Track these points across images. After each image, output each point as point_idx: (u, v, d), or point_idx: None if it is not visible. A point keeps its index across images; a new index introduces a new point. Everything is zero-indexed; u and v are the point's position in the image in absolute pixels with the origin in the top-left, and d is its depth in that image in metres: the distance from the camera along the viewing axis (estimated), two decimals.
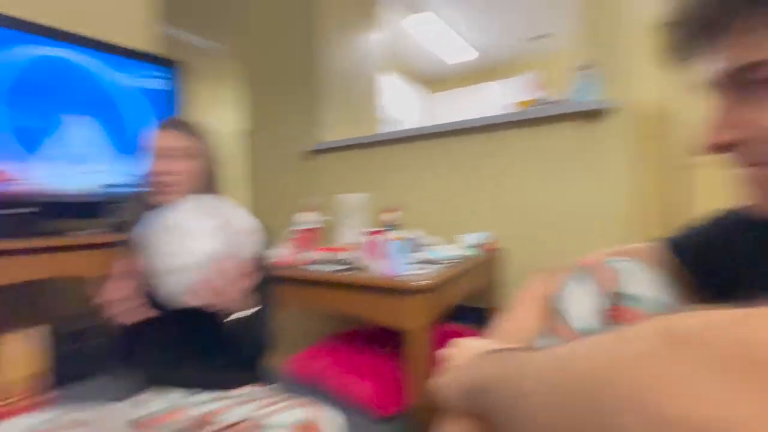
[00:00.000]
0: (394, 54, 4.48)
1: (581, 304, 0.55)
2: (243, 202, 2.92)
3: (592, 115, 1.62)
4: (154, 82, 1.79)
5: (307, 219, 1.73)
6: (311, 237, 1.71)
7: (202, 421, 0.91)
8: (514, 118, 1.81)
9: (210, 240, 0.78)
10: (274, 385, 1.08)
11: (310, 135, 2.47)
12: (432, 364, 1.09)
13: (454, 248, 1.62)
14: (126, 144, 1.69)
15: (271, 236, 1.07)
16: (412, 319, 1.10)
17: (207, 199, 0.86)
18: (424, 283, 1.08)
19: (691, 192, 1.70)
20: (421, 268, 1.26)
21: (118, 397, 0.96)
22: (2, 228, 1.35)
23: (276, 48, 2.66)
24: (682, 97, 1.50)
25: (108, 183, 1.64)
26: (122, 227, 1.45)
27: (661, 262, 0.59)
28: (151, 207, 0.96)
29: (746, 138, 0.38)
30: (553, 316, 0.57)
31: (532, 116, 1.77)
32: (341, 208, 1.95)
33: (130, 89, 1.71)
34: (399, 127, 2.60)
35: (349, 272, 1.27)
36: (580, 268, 0.58)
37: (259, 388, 1.03)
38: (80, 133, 1.57)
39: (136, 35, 2.13)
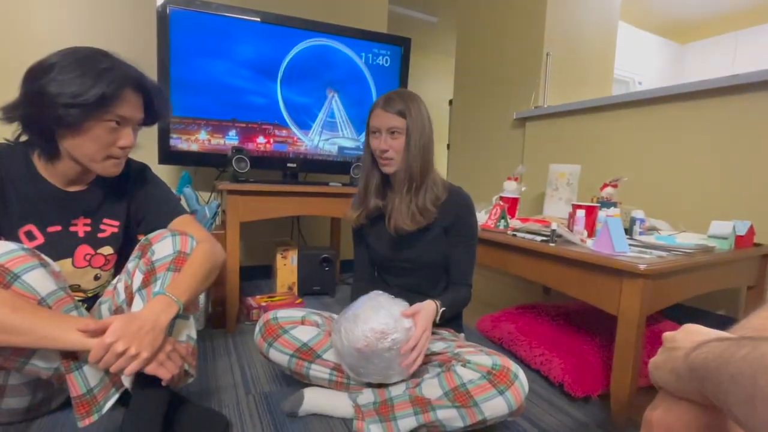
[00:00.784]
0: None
1: None
2: (454, 168, 3.09)
3: None
4: (385, 58, 2.05)
5: (511, 187, 1.73)
6: (513, 205, 1.71)
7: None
8: None
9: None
10: (462, 334, 1.19)
11: (523, 102, 2.38)
12: (642, 353, 0.98)
13: (692, 236, 1.35)
14: (359, 115, 2.02)
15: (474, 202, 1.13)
16: (628, 304, 1.00)
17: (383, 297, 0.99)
18: (648, 267, 0.96)
19: None
20: (641, 252, 1.12)
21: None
22: (276, 176, 1.92)
23: (493, 11, 2.62)
24: None
25: (345, 147, 2.01)
26: (355, 183, 1.81)
27: None
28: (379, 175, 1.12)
29: None
30: None
31: None
32: (550, 178, 1.86)
33: (368, 67, 2.01)
34: (634, 88, 2.21)
35: (559, 245, 1.22)
36: None
37: (452, 333, 1.15)
38: (329, 106, 1.96)
39: (371, 17, 2.46)
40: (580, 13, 2.34)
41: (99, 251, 0.96)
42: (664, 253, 1.11)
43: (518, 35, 2.41)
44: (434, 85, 5.06)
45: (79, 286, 0.94)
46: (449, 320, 1.18)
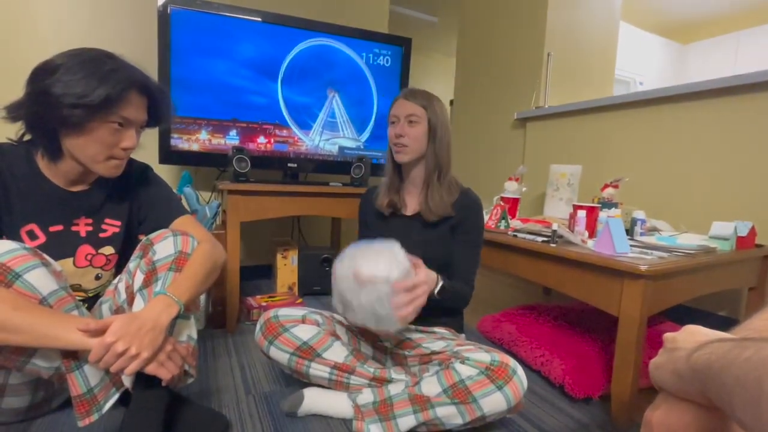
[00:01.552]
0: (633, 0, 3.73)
1: None
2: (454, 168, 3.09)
3: None
4: (386, 58, 2.05)
5: (512, 188, 1.73)
6: (514, 205, 1.71)
7: (410, 344, 1.09)
8: None
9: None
10: (463, 335, 1.20)
11: (524, 102, 2.38)
12: (643, 354, 0.98)
13: (693, 237, 1.35)
14: (360, 115, 2.02)
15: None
16: (629, 305, 1.00)
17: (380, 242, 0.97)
18: (649, 268, 0.96)
19: None
20: (643, 253, 1.11)
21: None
22: (276, 176, 1.92)
23: (494, 11, 2.62)
24: None
25: (346, 147, 2.01)
26: (355, 183, 1.81)
27: None
28: (394, 165, 1.16)
29: None
30: None
31: None
32: (551, 178, 1.85)
33: (369, 67, 2.01)
34: (635, 89, 2.21)
35: (560, 246, 1.22)
36: None
37: (453, 333, 1.16)
38: (329, 106, 1.96)
39: (372, 17, 2.46)
40: (581, 13, 2.35)
41: (100, 251, 0.96)
42: (665, 254, 1.11)
43: (519, 35, 2.41)
44: (435, 85, 5.06)
45: (80, 285, 0.94)
46: (450, 320, 1.18)
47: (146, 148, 1.06)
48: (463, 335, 1.19)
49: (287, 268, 2.00)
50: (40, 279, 0.74)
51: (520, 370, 0.88)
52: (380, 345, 1.14)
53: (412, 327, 1.18)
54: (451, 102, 3.16)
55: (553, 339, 1.39)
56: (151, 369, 0.76)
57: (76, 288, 0.93)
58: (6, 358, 0.77)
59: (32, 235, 0.87)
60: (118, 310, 0.88)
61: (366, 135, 2.04)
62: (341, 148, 2.00)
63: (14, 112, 0.81)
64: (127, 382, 0.80)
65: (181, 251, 0.87)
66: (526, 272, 1.32)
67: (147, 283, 0.84)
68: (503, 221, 1.51)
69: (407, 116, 1.10)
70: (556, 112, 2.15)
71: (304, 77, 1.90)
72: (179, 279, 0.85)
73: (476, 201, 1.13)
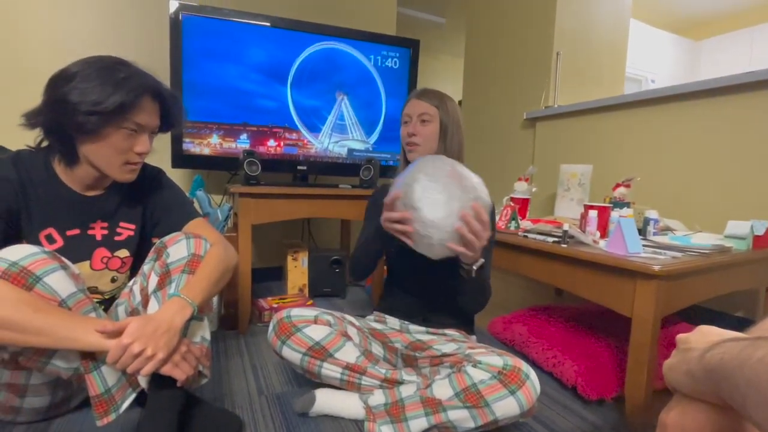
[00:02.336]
0: None
1: None
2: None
3: None
4: (394, 60, 2.05)
5: (522, 188, 1.72)
6: (524, 206, 1.70)
7: (420, 345, 1.09)
8: None
9: (462, 195, 0.88)
10: (474, 336, 1.19)
11: (534, 102, 2.36)
12: (657, 356, 0.97)
13: (708, 236, 1.33)
14: (368, 117, 2.03)
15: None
16: (642, 306, 0.99)
17: (443, 159, 0.96)
18: (662, 268, 0.95)
19: None
20: (656, 253, 1.10)
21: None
22: (286, 179, 1.94)
23: (502, 11, 2.61)
24: None
25: (355, 149, 2.02)
26: (365, 184, 1.82)
27: None
28: (405, 163, 1.16)
29: None
30: None
31: None
32: (561, 178, 1.84)
33: (377, 69, 2.02)
34: (647, 87, 2.18)
35: (571, 246, 1.21)
36: None
37: (464, 334, 1.15)
38: (338, 109, 1.97)
39: (380, 19, 2.47)
40: (591, 11, 2.32)
41: (116, 254, 0.98)
42: (678, 254, 1.10)
43: (528, 34, 2.40)
44: (443, 86, 5.03)
45: (97, 288, 0.97)
46: (461, 323, 1.18)
47: (159, 153, 1.08)
48: (474, 337, 1.19)
49: (298, 270, 2.01)
50: (60, 282, 0.76)
51: (533, 375, 0.88)
52: (391, 346, 1.14)
53: (423, 329, 1.18)
54: (460, 103, 3.16)
55: (565, 340, 1.38)
56: (166, 370, 0.77)
57: (92, 290, 0.95)
58: (27, 359, 0.79)
59: (50, 239, 0.90)
60: (133, 312, 0.90)
61: (375, 137, 2.05)
62: (350, 150, 2.01)
63: (33, 119, 0.83)
64: (143, 382, 0.81)
65: (194, 254, 0.89)
66: (537, 273, 1.31)
67: (161, 285, 0.85)
68: (513, 222, 1.51)
69: (419, 115, 1.11)
70: (566, 112, 2.13)
71: (313, 80, 1.91)
72: (192, 281, 0.86)
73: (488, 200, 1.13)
